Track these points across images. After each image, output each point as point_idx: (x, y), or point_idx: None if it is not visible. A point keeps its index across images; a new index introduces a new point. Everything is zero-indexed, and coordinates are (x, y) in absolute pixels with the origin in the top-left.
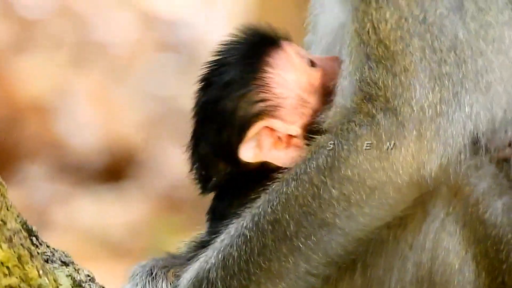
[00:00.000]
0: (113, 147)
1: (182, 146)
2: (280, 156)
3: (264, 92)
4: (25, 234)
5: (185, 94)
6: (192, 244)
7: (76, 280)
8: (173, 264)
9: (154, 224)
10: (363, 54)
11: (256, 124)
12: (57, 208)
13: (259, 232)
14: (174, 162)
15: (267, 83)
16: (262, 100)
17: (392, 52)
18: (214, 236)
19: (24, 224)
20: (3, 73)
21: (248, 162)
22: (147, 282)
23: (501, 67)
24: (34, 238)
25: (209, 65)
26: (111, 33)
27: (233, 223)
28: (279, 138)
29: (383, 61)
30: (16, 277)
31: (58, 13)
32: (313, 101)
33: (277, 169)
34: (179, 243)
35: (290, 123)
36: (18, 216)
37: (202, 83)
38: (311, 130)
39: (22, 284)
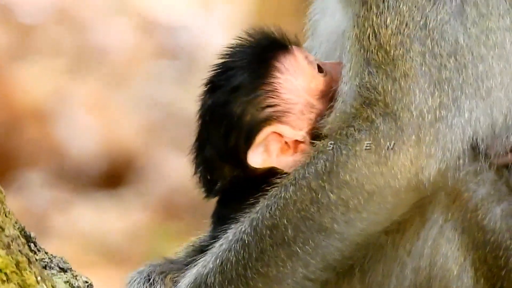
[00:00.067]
0: (112, 153)
1: (182, 152)
2: (287, 162)
3: (273, 97)
4: (23, 240)
5: (184, 100)
6: (190, 249)
7: (74, 287)
8: (171, 270)
9: (152, 230)
10: (363, 60)
11: (264, 130)
12: (56, 214)
13: (257, 237)
14: (173, 168)
15: (276, 89)
16: (271, 106)
17: (392, 57)
18: (213, 241)
19: (22, 231)
20: (2, 79)
21: (255, 168)
22: None
23: (501, 72)
24: (32, 245)
25: (215, 68)
26: (110, 39)
27: (231, 228)
28: (286, 143)
29: (383, 66)
30: (14, 284)
31: (56, 19)
32: (320, 106)
33: (283, 174)
34: (177, 248)
35: (298, 128)
36: (16, 223)
37: (209, 86)
38: (316, 135)
39: None
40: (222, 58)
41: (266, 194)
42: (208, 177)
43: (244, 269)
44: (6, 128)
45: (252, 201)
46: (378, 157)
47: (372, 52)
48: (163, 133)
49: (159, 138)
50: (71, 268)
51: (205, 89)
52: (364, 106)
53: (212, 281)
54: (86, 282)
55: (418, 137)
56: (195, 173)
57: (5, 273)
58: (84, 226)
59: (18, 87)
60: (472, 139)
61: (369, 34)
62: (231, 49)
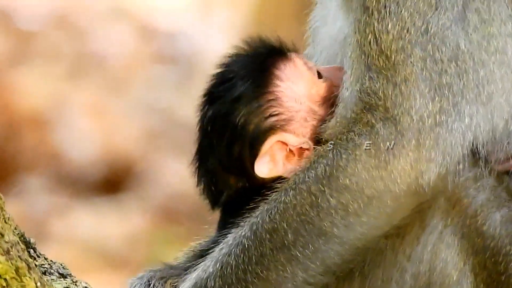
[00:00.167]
0: (111, 159)
1: (181, 157)
2: (293, 169)
3: (275, 106)
4: (23, 246)
5: (183, 105)
6: (191, 254)
7: None
8: (171, 275)
9: (152, 236)
10: (364, 65)
11: (269, 139)
12: (55, 219)
13: (257, 241)
14: (172, 173)
15: (278, 97)
16: (274, 114)
17: (393, 62)
18: (213, 245)
19: (22, 237)
20: (1, 84)
21: (262, 177)
22: None
23: (502, 78)
24: (32, 250)
25: (214, 79)
26: (109, 45)
27: (231, 232)
28: (291, 151)
29: (383, 71)
30: None
31: (56, 25)
32: (322, 112)
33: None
34: (178, 254)
35: (302, 136)
36: (15, 229)
37: (208, 97)
38: (319, 141)
39: None
40: (220, 68)
41: (267, 199)
42: (213, 189)
43: (244, 273)
44: (5, 134)
45: (252, 206)
46: (378, 161)
47: (373, 57)
48: (162, 138)
49: (158, 143)
50: (70, 274)
51: (204, 100)
52: (364, 111)
53: (212, 285)
54: (86, 287)
55: (418, 142)
56: (198, 185)
57: (5, 279)
58: (83, 231)
59: (17, 93)
60: (472, 144)
61: (370, 40)
62: (228, 59)
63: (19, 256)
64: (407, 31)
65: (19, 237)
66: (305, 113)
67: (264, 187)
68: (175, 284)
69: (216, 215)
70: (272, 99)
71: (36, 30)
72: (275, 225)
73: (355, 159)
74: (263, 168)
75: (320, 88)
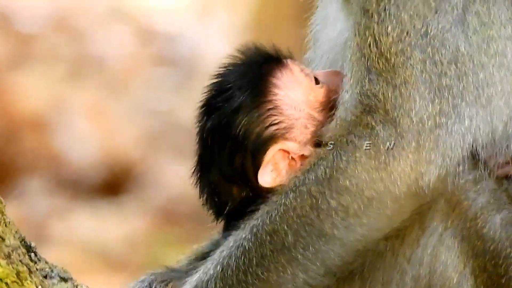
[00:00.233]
0: (111, 161)
1: (181, 159)
2: None
3: (275, 114)
4: (24, 250)
5: (183, 107)
6: (192, 257)
7: None
8: (172, 278)
9: (152, 238)
10: (364, 68)
11: (271, 148)
12: (55, 222)
13: (257, 243)
14: (172, 175)
15: (278, 105)
16: (274, 123)
17: (393, 64)
18: (214, 248)
19: (22, 240)
20: (1, 87)
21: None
22: None
23: (502, 81)
24: (32, 254)
25: (211, 89)
26: (108, 47)
27: (232, 235)
28: (292, 159)
29: (383, 74)
30: None
31: (55, 27)
32: (321, 118)
33: None
34: (178, 256)
35: (303, 143)
36: (16, 232)
37: (206, 109)
38: (319, 144)
39: None
40: (216, 78)
41: (267, 201)
42: (216, 200)
43: (245, 274)
44: (5, 136)
45: (253, 209)
46: (378, 163)
47: (373, 60)
48: (162, 140)
49: (158, 145)
50: (71, 277)
51: (202, 112)
52: (364, 113)
53: (213, 287)
54: None
55: (418, 143)
56: (201, 196)
57: (6, 283)
58: (83, 233)
59: (17, 95)
60: (472, 147)
61: (370, 43)
62: (224, 69)
63: (20, 260)
64: (407, 33)
65: (20, 241)
66: (305, 120)
67: (267, 196)
68: (176, 287)
69: (212, 215)
70: (272, 108)
71: (36, 32)
72: (276, 227)
73: (355, 161)
74: (267, 177)
75: (318, 93)
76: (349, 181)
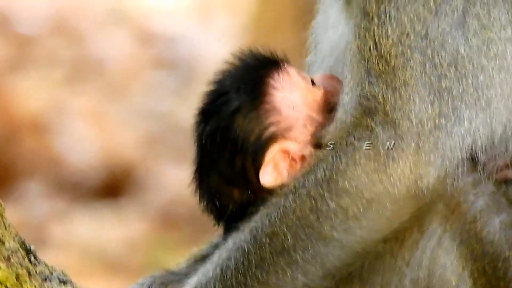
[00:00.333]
0: (111, 164)
1: (181, 162)
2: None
3: (274, 115)
4: (23, 253)
5: (182, 110)
6: (192, 259)
7: None
8: (171, 281)
9: (151, 241)
10: (364, 70)
11: (271, 148)
12: (54, 224)
13: (257, 245)
14: (172, 178)
15: (276, 106)
16: (273, 124)
17: (393, 66)
18: (214, 250)
19: (22, 243)
20: (0, 89)
21: (266, 187)
22: None
23: (502, 83)
24: (32, 257)
25: (208, 95)
26: (108, 50)
27: (231, 237)
28: (293, 159)
29: (383, 76)
30: None
31: (55, 29)
32: (320, 119)
33: None
34: (178, 259)
35: (303, 143)
36: (16, 235)
37: (204, 114)
38: (319, 146)
39: None
40: (212, 85)
41: (266, 203)
42: (217, 204)
43: (244, 277)
44: (4, 139)
45: (252, 211)
46: (377, 165)
47: (372, 62)
48: (162, 143)
49: (157, 148)
50: (71, 280)
51: (200, 117)
52: (364, 115)
53: None
54: None
55: (417, 145)
56: (201, 201)
57: (6, 286)
58: (83, 236)
59: (16, 98)
60: (471, 149)
61: (370, 45)
62: (220, 75)
63: (19, 263)
64: (407, 36)
65: (20, 244)
66: (304, 121)
67: (268, 198)
68: None
69: (213, 219)
70: (270, 109)
71: (35, 35)
72: (275, 229)
73: (355, 163)
74: (268, 177)
75: (316, 95)
76: (348, 183)
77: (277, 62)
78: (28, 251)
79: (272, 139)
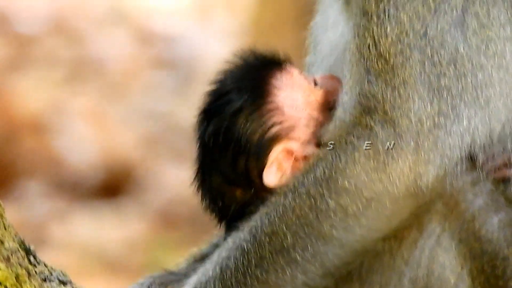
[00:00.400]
0: (110, 164)
1: (181, 162)
2: None
3: (277, 115)
4: (23, 253)
5: (182, 110)
6: (191, 259)
7: None
8: (171, 281)
9: (151, 241)
10: (363, 69)
11: (275, 148)
12: (54, 224)
13: (256, 244)
14: (171, 178)
15: (279, 106)
16: (277, 123)
17: (392, 65)
18: (213, 250)
19: (22, 243)
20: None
21: (270, 187)
22: None
23: (501, 82)
24: (31, 257)
25: (210, 96)
26: (107, 50)
27: (231, 236)
28: (296, 159)
29: (382, 74)
30: None
31: (54, 29)
32: (322, 118)
33: None
34: (178, 259)
35: (306, 142)
36: (15, 236)
37: (206, 114)
38: (319, 145)
39: None
40: (214, 85)
41: (266, 202)
42: (220, 204)
43: (244, 276)
44: (4, 139)
45: (252, 210)
46: (376, 164)
47: (372, 61)
48: (161, 143)
49: (157, 148)
50: (71, 280)
51: (202, 117)
52: (363, 114)
53: None
54: None
55: (416, 144)
56: (203, 201)
57: (5, 286)
58: (82, 236)
59: (16, 98)
60: (470, 147)
61: (369, 44)
62: (221, 75)
63: (19, 263)
64: (406, 34)
65: (19, 244)
66: (306, 120)
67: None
68: None
69: (215, 219)
70: (273, 109)
71: (35, 35)
72: (275, 228)
73: (354, 162)
74: (272, 177)
75: (317, 95)
76: (348, 182)
77: (279, 62)
78: (27, 251)
79: (276, 139)
